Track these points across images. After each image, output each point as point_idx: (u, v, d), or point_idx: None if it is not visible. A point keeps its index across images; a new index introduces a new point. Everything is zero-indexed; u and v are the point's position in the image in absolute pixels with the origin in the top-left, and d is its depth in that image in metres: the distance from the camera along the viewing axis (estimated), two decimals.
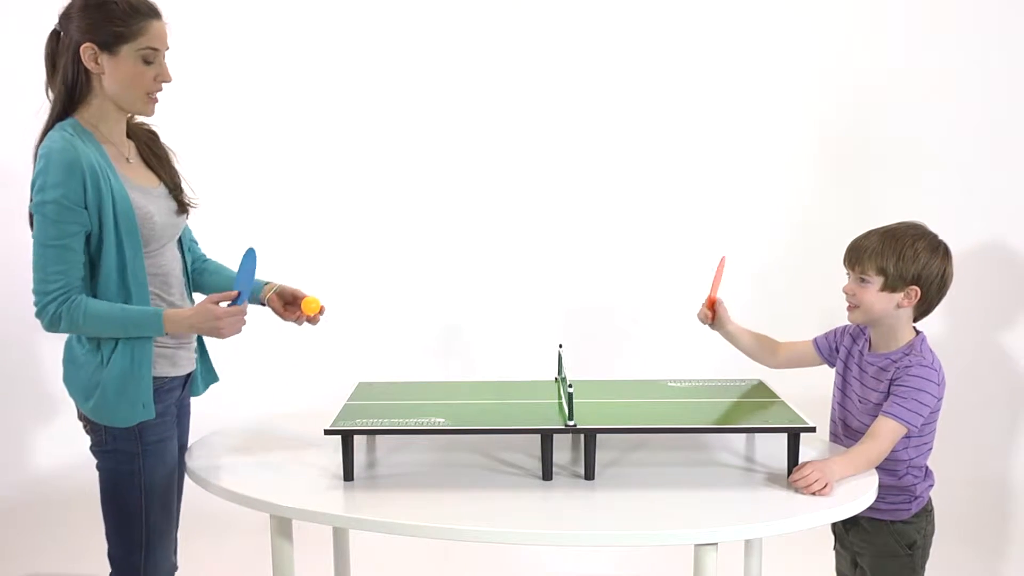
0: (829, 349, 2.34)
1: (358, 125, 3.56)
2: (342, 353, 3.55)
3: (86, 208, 1.94)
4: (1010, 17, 3.25)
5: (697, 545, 1.81)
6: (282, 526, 1.99)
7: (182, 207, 2.16)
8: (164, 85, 2.06)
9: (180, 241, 2.19)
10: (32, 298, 1.97)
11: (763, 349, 2.41)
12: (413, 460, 2.17)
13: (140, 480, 2.06)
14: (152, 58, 2.02)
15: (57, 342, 2.12)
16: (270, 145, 3.59)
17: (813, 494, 1.92)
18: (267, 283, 2.29)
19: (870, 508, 1.98)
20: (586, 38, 3.49)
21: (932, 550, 2.24)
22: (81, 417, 2.10)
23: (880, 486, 2.02)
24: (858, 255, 2.15)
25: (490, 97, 3.53)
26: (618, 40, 3.48)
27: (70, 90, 2.01)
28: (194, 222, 2.25)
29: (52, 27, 2.03)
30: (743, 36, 3.44)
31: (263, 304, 2.29)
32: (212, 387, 2.31)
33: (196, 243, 2.35)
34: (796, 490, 1.95)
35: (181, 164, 2.22)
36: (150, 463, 2.07)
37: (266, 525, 2.01)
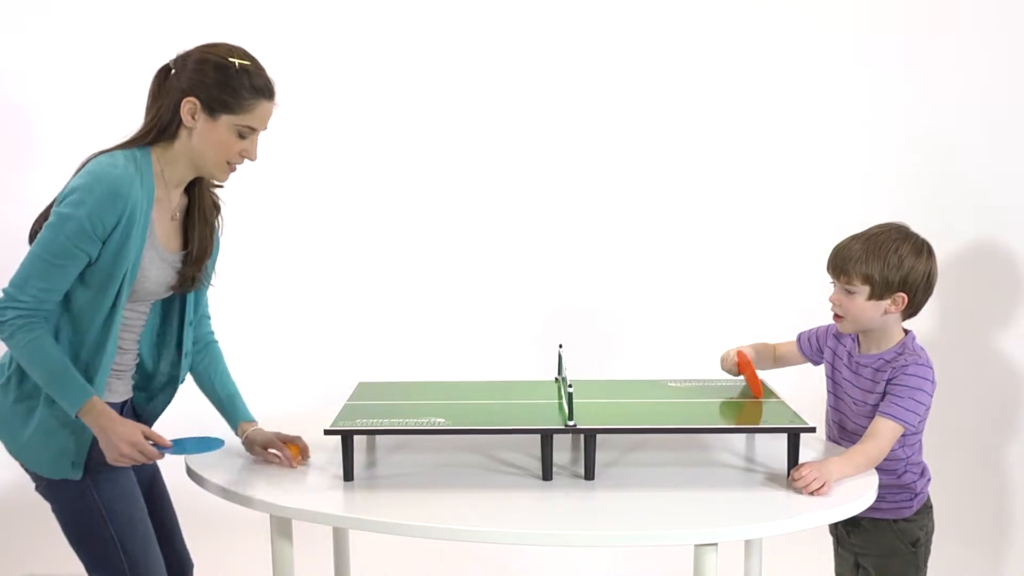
0: (811, 348, 2.34)
1: (358, 127, 3.56)
2: (342, 353, 3.55)
3: (104, 242, 1.87)
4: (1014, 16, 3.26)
5: (697, 545, 1.81)
6: (282, 526, 1.99)
7: (185, 284, 2.07)
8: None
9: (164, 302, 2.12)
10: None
11: (764, 358, 2.40)
12: (413, 460, 2.17)
13: (99, 508, 1.98)
14: (247, 135, 1.98)
15: None
16: (270, 147, 3.58)
17: (811, 494, 1.92)
18: (245, 423, 2.18)
19: (871, 508, 1.98)
20: (589, 43, 3.49)
21: (932, 547, 2.24)
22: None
23: (880, 486, 2.02)
24: (842, 264, 2.12)
25: (491, 99, 3.53)
26: (620, 43, 3.48)
27: (158, 129, 1.96)
28: None
29: (166, 63, 1.99)
30: (750, 35, 3.44)
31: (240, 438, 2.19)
32: None
33: (208, 318, 2.25)
34: (796, 490, 1.95)
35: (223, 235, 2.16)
36: (104, 488, 1.98)
37: (266, 525, 2.01)
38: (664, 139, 3.51)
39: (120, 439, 1.90)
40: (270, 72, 2.01)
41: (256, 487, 1.99)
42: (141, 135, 1.97)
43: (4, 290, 1.90)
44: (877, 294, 2.10)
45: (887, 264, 2.08)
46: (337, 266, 3.62)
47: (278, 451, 2.10)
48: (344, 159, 3.58)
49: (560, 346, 2.44)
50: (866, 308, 2.11)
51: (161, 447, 1.95)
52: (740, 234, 3.50)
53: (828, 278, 2.19)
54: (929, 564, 2.23)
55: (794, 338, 2.38)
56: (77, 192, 1.86)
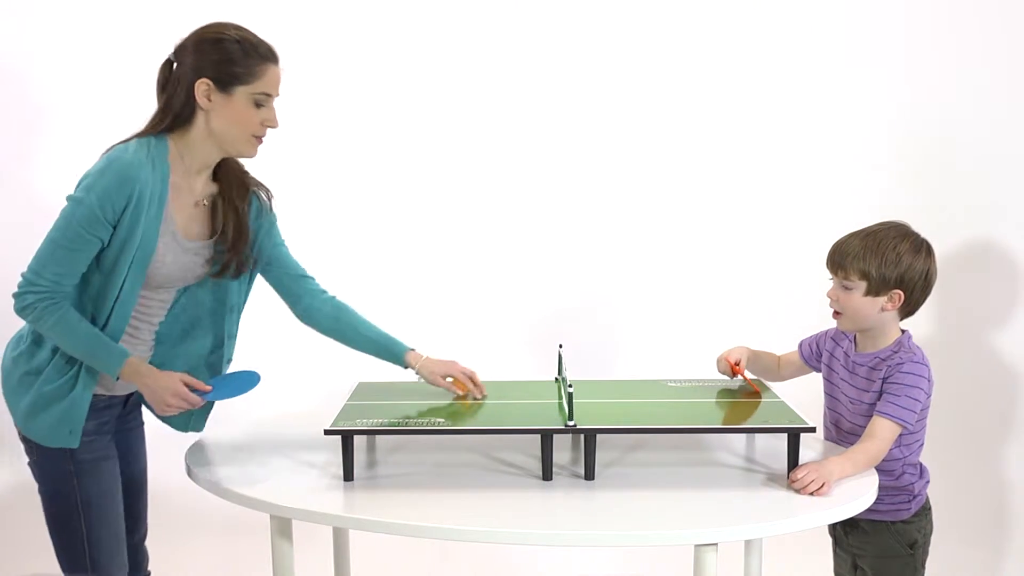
0: (811, 353, 2.34)
1: (360, 127, 3.56)
2: (342, 353, 3.54)
3: (114, 227, 1.90)
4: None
5: (697, 545, 1.81)
6: (282, 526, 2.00)
7: (227, 270, 2.10)
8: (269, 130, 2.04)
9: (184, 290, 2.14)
10: (18, 278, 1.93)
11: (768, 368, 2.41)
12: (413, 460, 2.17)
13: (76, 499, 2.01)
14: (264, 102, 2.00)
15: None
16: (270, 147, 3.58)
17: (811, 494, 1.92)
18: (410, 354, 2.27)
19: (869, 509, 1.98)
20: (589, 43, 3.49)
21: (931, 547, 2.24)
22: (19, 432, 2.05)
23: (879, 487, 2.02)
24: (840, 260, 2.13)
25: (492, 100, 3.53)
26: (619, 42, 3.48)
27: (174, 117, 1.98)
28: None
29: (167, 57, 2.01)
30: (751, 36, 3.44)
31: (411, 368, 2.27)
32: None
33: (308, 278, 2.33)
34: (795, 490, 1.95)
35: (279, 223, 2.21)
36: (86, 482, 2.01)
37: (266, 525, 2.01)
38: (663, 139, 3.51)
39: (164, 391, 1.97)
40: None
41: (256, 487, 1.99)
42: (156, 122, 1.99)
43: (23, 275, 1.93)
44: (874, 290, 2.10)
45: (884, 260, 2.09)
46: (337, 266, 3.61)
47: (463, 379, 2.25)
48: (345, 159, 3.58)
49: (560, 346, 2.44)
50: (863, 304, 2.12)
51: (202, 392, 2.01)
52: (740, 234, 3.50)
53: (827, 278, 2.19)
54: (928, 564, 2.23)
55: (795, 347, 2.38)
56: (88, 178, 1.91)
